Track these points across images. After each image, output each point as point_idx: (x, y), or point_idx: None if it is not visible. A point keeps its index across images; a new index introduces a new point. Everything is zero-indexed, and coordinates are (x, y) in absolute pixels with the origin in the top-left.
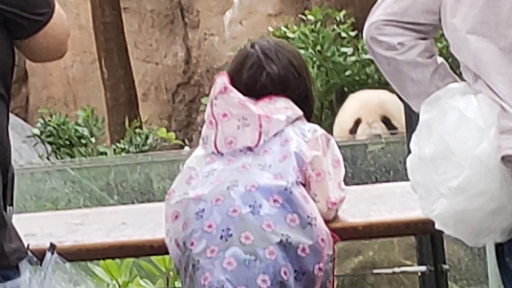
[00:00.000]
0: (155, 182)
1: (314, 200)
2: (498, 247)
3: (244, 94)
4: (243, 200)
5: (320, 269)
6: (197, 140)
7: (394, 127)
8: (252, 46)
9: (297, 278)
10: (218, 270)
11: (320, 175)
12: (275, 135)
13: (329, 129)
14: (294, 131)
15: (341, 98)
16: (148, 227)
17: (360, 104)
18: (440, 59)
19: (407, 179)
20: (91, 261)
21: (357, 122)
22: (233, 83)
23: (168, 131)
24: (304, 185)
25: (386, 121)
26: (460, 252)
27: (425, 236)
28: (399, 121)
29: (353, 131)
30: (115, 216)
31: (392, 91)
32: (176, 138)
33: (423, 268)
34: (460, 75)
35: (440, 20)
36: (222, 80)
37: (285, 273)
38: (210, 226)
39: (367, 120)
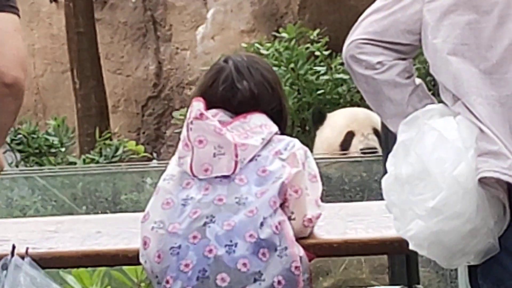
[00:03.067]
0: (125, 193)
1: (290, 218)
2: (472, 269)
3: (219, 108)
4: (218, 240)
5: None
6: (165, 154)
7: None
8: (226, 61)
9: None
10: None
11: (298, 192)
12: (250, 160)
13: None
14: (270, 152)
15: (318, 117)
16: (122, 236)
17: (348, 118)
18: (418, 80)
19: (383, 199)
20: (64, 269)
21: (350, 136)
22: (207, 97)
23: (137, 143)
24: (282, 203)
25: (377, 133)
26: (431, 273)
27: (399, 256)
28: None
29: (344, 145)
30: (89, 225)
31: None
32: (145, 151)
33: (397, 287)
34: (436, 96)
35: (420, 40)
36: (198, 105)
37: None
38: (186, 266)
39: (361, 132)
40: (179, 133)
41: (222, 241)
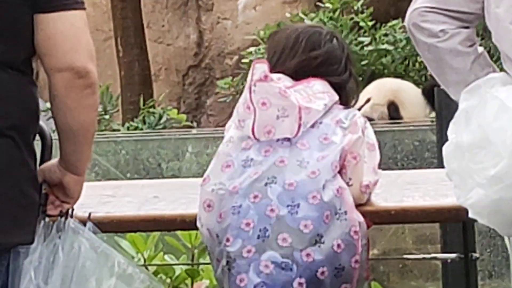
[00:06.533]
0: (167, 160)
1: (348, 184)
2: None
3: (289, 76)
4: (280, 200)
5: (356, 261)
6: (205, 123)
7: (399, 117)
8: (296, 30)
9: (337, 275)
10: (254, 273)
11: (356, 158)
12: (312, 125)
13: None
14: (332, 120)
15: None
16: (180, 202)
17: (374, 86)
18: (480, 49)
19: (434, 167)
20: (121, 233)
21: (367, 102)
22: (276, 66)
23: (178, 112)
24: (340, 170)
25: (394, 107)
26: (482, 242)
27: (450, 225)
28: (410, 111)
29: (360, 109)
30: (147, 190)
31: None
32: (186, 120)
33: (452, 255)
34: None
35: (483, 9)
36: (262, 67)
37: (322, 273)
38: (247, 225)
39: (373, 101)
40: (223, 102)
41: (284, 201)
